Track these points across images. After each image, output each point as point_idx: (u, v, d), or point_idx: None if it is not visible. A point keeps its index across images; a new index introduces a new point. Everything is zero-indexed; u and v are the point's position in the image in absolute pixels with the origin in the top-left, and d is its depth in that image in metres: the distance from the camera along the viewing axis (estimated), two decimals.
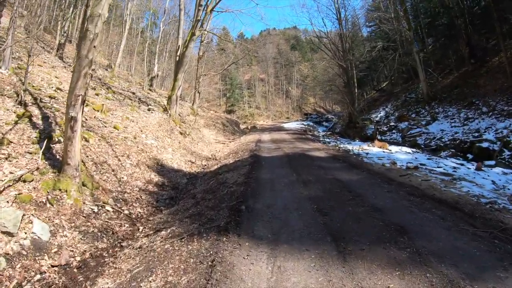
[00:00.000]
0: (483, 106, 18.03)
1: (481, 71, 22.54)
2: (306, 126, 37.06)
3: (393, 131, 22.74)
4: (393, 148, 13.32)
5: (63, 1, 26.97)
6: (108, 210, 6.32)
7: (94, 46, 6.55)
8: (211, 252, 3.94)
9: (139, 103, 18.93)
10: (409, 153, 12.46)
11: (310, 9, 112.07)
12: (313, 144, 15.79)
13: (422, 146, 17.25)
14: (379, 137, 22.45)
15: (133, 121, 13.04)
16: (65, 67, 17.53)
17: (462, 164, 10.24)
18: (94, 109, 12.20)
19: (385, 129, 23.76)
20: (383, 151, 12.35)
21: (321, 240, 4.16)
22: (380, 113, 31.44)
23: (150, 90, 30.27)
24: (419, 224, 4.51)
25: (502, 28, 20.89)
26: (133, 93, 23.32)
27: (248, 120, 64.39)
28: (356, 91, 30.18)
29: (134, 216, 6.45)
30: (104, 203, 6.45)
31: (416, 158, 10.92)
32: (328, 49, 29.48)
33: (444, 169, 9.03)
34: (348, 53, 28.50)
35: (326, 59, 30.48)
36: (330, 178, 7.53)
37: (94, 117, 11.27)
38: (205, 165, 12.12)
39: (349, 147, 13.98)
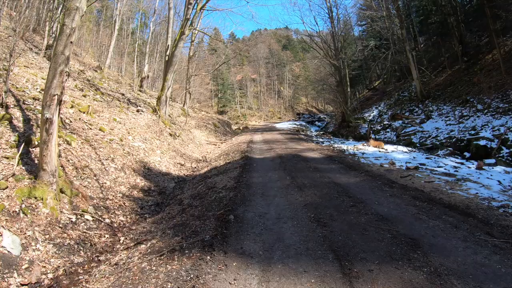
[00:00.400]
0: (478, 104, 17.79)
1: (475, 68, 22.39)
2: (299, 126, 36.75)
3: (387, 130, 22.45)
4: (389, 147, 12.94)
5: (52, 2, 26.25)
6: (87, 219, 5.80)
7: (71, 42, 6.04)
8: (192, 276, 3.40)
9: (128, 104, 18.37)
10: (406, 152, 12.08)
11: (301, 8, 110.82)
12: (307, 144, 15.38)
13: (418, 145, 16.92)
14: (373, 136, 22.20)
15: (120, 123, 12.50)
16: None
17: (462, 163, 9.86)
18: (80, 110, 11.67)
19: (379, 128, 23.47)
20: (379, 151, 11.97)
21: (321, 258, 3.62)
22: (373, 112, 31.23)
23: (140, 91, 29.73)
24: (431, 235, 4.03)
25: (495, 25, 20.73)
26: (123, 94, 22.71)
27: (240, 120, 63.90)
28: (348, 90, 29.97)
29: (115, 225, 5.94)
30: (83, 211, 5.92)
31: (414, 157, 10.52)
32: (320, 47, 29.17)
33: (445, 168, 8.63)
34: (340, 52, 28.20)
35: (318, 58, 29.99)
36: (327, 182, 7.07)
37: (79, 119, 10.73)
38: (195, 167, 11.63)
39: (344, 146, 13.59)
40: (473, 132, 14.74)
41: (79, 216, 5.72)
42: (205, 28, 28.61)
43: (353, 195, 5.93)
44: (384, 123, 23.74)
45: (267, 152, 12.74)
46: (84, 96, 14.41)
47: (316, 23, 45.65)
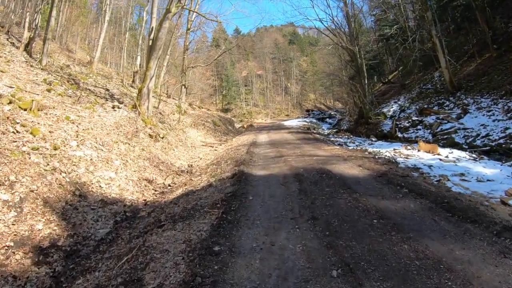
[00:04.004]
0: None
1: (510, 56, 18.97)
2: (309, 124, 33.17)
3: (418, 127, 18.75)
4: (444, 152, 9.25)
5: None
6: None
7: None
8: None
9: (106, 100, 15.34)
10: (473, 159, 8.45)
11: None
12: (328, 147, 11.47)
13: (465, 146, 13.31)
14: (400, 135, 18.73)
15: (74, 123, 9.17)
16: (26, 62, 14.99)
17: None
18: (19, 107, 8.90)
19: (407, 124, 19.77)
20: (441, 159, 8.22)
21: None
22: (392, 107, 27.67)
23: (132, 86, 26.78)
24: None
25: None
26: (107, 90, 20.15)
27: (245, 118, 60.69)
28: (366, 82, 26.33)
29: None
30: None
31: (501, 171, 6.85)
32: (334, 34, 25.54)
33: None
34: (356, 38, 24.60)
35: (331, 44, 26.30)
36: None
37: (7, 118, 7.55)
38: (169, 185, 8.15)
39: (383, 151, 9.85)
40: None
41: None
42: (207, 13, 25.05)
43: None
44: (413, 119, 20.00)
45: (274, 162, 8.98)
46: (48, 91, 11.86)
47: (328, 6, 42.01)
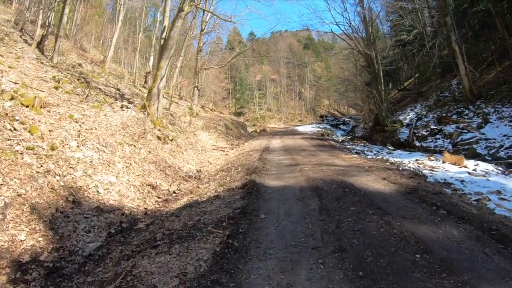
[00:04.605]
0: None
1: None
2: (323, 130, 32.38)
3: (437, 136, 17.89)
4: (471, 165, 8.48)
5: None
6: None
7: None
8: None
9: (116, 100, 15.00)
10: (502, 173, 7.71)
11: None
12: (346, 156, 10.75)
13: (488, 158, 12.50)
14: (418, 144, 17.95)
15: (77, 122, 8.73)
16: (37, 59, 14.74)
17: None
18: (22, 103, 8.48)
19: (425, 133, 18.94)
20: (470, 172, 7.47)
21: None
22: (408, 115, 26.87)
23: (144, 87, 26.58)
24: None
25: None
26: (118, 89, 19.80)
27: (258, 122, 60.21)
28: (383, 88, 25.52)
29: None
30: None
31: None
32: (350, 38, 24.85)
33: None
34: (373, 43, 23.85)
35: (348, 49, 25.59)
36: None
37: (6, 114, 7.21)
38: (174, 192, 7.59)
39: (405, 162, 9.10)
40: None
41: None
42: (221, 14, 24.61)
43: None
44: (431, 127, 19.16)
45: (289, 171, 8.31)
46: (56, 88, 11.37)
47: (346, 9, 41.20)
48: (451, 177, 6.92)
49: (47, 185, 5.36)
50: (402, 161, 9.38)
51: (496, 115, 16.99)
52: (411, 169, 7.92)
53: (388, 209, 4.99)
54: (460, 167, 8.07)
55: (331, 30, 27.46)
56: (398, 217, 4.62)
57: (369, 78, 26.14)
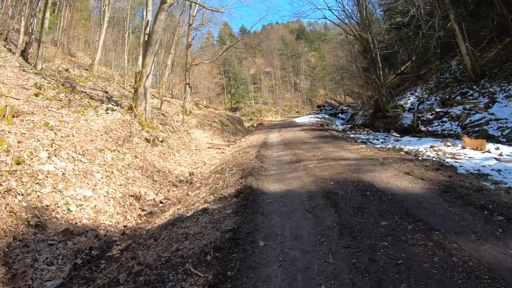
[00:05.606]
0: None
1: None
2: (322, 120, 31.55)
3: (443, 119, 17.01)
4: (492, 149, 7.59)
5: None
6: None
7: None
8: None
9: (102, 103, 14.22)
10: None
11: None
12: (352, 146, 9.68)
13: (503, 139, 11.61)
14: (423, 128, 17.12)
15: (52, 129, 7.87)
16: (20, 67, 14.47)
17: None
18: None
19: (430, 117, 18.05)
20: (498, 158, 6.53)
21: None
22: (409, 99, 26.14)
23: (133, 87, 25.61)
24: None
25: None
26: (106, 92, 19.43)
27: (255, 116, 59.43)
28: (381, 73, 24.62)
29: None
30: None
31: None
32: (345, 23, 23.97)
33: None
34: (369, 26, 22.94)
35: (343, 34, 24.59)
36: None
37: None
38: (161, 202, 6.72)
39: (422, 150, 8.15)
40: None
41: None
42: (212, 22, 23.64)
43: None
44: (437, 110, 18.30)
45: (292, 170, 7.18)
46: (36, 95, 10.92)
47: None
48: (482, 166, 5.97)
49: (5, 208, 4.49)
50: (418, 149, 8.44)
51: (503, 93, 16.18)
52: (433, 158, 6.95)
53: (431, 220, 3.80)
54: (483, 153, 7.19)
55: (324, 16, 26.42)
56: (450, 233, 3.46)
57: (366, 63, 25.22)
